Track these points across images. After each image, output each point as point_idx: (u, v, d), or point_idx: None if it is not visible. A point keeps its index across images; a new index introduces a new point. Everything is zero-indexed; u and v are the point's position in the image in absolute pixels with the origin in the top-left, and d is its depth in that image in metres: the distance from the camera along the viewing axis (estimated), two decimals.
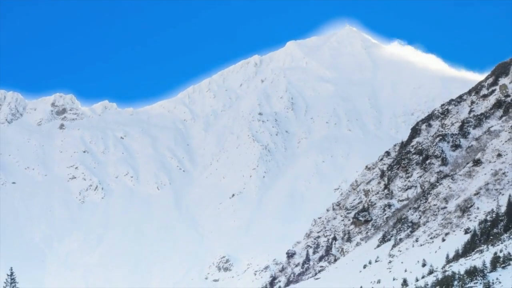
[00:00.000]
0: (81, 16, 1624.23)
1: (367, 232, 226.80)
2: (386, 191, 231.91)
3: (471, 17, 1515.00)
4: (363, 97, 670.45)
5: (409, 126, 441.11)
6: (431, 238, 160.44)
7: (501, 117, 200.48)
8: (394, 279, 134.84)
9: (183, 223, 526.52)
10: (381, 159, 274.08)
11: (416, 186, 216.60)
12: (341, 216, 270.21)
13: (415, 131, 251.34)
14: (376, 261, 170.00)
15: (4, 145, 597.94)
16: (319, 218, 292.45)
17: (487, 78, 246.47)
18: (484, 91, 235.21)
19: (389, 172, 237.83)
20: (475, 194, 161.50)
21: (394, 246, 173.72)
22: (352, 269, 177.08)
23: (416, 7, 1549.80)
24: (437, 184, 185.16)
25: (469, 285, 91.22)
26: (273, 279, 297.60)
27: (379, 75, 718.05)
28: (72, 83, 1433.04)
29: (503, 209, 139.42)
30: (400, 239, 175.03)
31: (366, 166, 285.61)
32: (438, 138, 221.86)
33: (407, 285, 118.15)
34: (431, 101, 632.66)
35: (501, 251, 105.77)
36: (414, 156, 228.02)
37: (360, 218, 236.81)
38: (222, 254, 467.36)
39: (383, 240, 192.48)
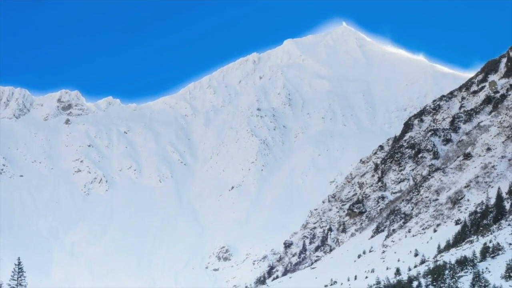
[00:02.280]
0: (86, 16, 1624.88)
1: (361, 223, 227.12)
2: (379, 183, 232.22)
3: (462, 17, 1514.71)
4: (357, 93, 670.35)
5: (402, 121, 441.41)
6: (423, 229, 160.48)
7: (490, 112, 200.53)
8: (387, 269, 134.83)
9: (184, 215, 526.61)
10: (375, 153, 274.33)
11: (408, 179, 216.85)
12: (337, 207, 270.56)
13: (407, 126, 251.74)
14: (370, 251, 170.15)
15: (12, 139, 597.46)
16: (315, 209, 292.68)
17: (477, 75, 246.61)
18: (474, 88, 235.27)
19: (383, 166, 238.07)
20: (465, 187, 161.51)
21: (387, 236, 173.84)
22: (347, 259, 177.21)
23: (409, 7, 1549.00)
24: (429, 177, 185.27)
25: (459, 274, 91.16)
26: (271, 268, 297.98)
27: (373, 72, 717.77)
28: (78, 80, 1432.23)
29: (492, 201, 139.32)
30: (393, 230, 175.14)
31: (361, 160, 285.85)
32: (430, 133, 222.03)
33: (400, 274, 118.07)
34: (423, 97, 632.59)
35: (490, 241, 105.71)
36: (406, 150, 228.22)
37: (355, 210, 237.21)
38: (222, 244, 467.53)
39: (377, 231, 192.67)
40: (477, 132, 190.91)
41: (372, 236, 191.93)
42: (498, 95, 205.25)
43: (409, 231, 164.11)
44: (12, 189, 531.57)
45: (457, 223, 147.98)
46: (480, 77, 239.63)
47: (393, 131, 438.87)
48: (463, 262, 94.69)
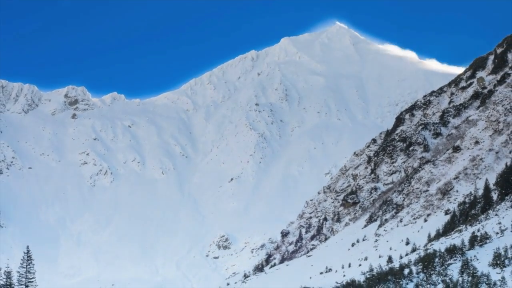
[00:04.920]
0: (91, 16, 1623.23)
1: (355, 213, 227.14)
2: (372, 175, 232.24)
3: (451, 16, 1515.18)
4: (351, 89, 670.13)
5: (394, 115, 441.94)
6: (414, 218, 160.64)
7: (478, 107, 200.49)
8: (380, 257, 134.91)
9: (185, 205, 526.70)
10: (368, 146, 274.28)
11: (400, 171, 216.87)
12: (331, 198, 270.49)
13: (399, 120, 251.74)
14: (363, 240, 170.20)
15: (21, 133, 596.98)
16: (311, 200, 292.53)
17: (465, 72, 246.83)
18: (463, 84, 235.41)
19: (376, 158, 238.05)
20: (454, 178, 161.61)
21: (380, 226, 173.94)
22: (342, 247, 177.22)
23: (401, 7, 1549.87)
24: (420, 169, 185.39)
25: (449, 262, 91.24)
26: (269, 256, 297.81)
27: (366, 68, 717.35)
28: (84, 77, 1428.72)
29: (480, 192, 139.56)
30: (386, 220, 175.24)
31: (354, 153, 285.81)
32: (420, 127, 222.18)
33: (392, 262, 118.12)
34: (414, 92, 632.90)
35: (478, 230, 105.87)
36: (398, 143, 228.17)
37: (349, 200, 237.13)
38: (222, 233, 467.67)
39: (370, 220, 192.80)
40: (465, 126, 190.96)
41: (365, 226, 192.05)
42: (485, 91, 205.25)
43: (401, 221, 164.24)
44: (21, 181, 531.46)
45: (446, 213, 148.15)
46: (468, 73, 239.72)
47: (386, 125, 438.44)
48: (452, 250, 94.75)
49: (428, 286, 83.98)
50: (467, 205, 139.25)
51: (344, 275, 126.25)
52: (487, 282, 77.09)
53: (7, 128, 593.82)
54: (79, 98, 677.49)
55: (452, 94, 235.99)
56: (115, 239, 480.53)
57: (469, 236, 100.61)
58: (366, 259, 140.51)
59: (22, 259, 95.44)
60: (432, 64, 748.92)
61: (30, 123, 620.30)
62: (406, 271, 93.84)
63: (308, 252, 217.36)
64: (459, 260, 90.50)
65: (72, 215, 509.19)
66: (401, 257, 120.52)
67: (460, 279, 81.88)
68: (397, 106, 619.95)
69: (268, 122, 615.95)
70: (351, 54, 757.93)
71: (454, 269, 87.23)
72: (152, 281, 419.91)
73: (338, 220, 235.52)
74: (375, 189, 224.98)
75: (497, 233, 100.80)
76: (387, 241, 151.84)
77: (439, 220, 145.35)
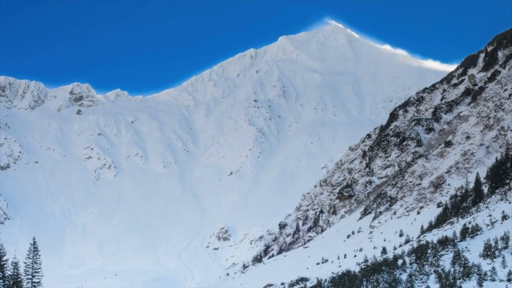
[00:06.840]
0: (96, 15, 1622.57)
1: (350, 206, 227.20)
2: (367, 169, 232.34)
3: (443, 15, 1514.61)
4: (346, 85, 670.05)
5: (388, 111, 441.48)
6: (407, 211, 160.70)
7: (469, 103, 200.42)
8: (374, 248, 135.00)
9: (186, 198, 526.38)
10: (363, 141, 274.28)
11: (394, 165, 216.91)
12: (328, 191, 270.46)
13: (393, 116, 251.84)
14: (358, 232, 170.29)
15: (28, 128, 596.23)
16: (308, 193, 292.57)
17: (457, 69, 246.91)
18: (454, 81, 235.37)
19: (370, 153, 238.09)
20: (446, 172, 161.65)
21: (374, 218, 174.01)
22: (337, 238, 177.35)
23: (395, 7, 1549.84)
24: (413, 163, 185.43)
25: (441, 253, 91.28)
26: (267, 247, 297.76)
27: (361, 66, 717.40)
28: (88, 74, 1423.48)
29: (471, 186, 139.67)
30: (380, 212, 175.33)
31: (350, 147, 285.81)
32: (413, 122, 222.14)
33: (386, 253, 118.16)
34: (408, 89, 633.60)
35: (469, 222, 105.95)
36: (392, 138, 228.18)
37: (344, 193, 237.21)
38: (222, 225, 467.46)
39: (365, 213, 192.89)
40: (457, 122, 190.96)
41: (360, 218, 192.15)
42: (476, 88, 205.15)
43: (395, 213, 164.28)
44: (28, 175, 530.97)
45: (438, 205, 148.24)
46: (460, 71, 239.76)
47: (380, 120, 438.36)
48: (444, 242, 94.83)
49: (421, 276, 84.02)
50: (459, 198, 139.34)
51: (339, 266, 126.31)
52: (478, 273, 77.15)
53: (14, 124, 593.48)
54: (84, 95, 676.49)
55: (444, 90, 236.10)
56: (119, 231, 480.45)
57: (461, 228, 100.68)
58: (361, 250, 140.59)
59: (28, 251, 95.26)
60: (425, 62, 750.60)
61: (36, 119, 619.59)
62: (400, 261, 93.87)
63: (305, 243, 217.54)
64: (451, 251, 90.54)
65: (77, 207, 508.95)
66: (394, 248, 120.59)
67: (452, 269, 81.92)
68: (391, 103, 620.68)
69: (266, 118, 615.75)
70: (347, 52, 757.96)
71: (446, 260, 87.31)
72: (154, 272, 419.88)
73: (334, 213, 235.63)
74: (370, 182, 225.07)
75: (488, 225, 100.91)
76: (382, 233, 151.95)
77: (431, 212, 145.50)
